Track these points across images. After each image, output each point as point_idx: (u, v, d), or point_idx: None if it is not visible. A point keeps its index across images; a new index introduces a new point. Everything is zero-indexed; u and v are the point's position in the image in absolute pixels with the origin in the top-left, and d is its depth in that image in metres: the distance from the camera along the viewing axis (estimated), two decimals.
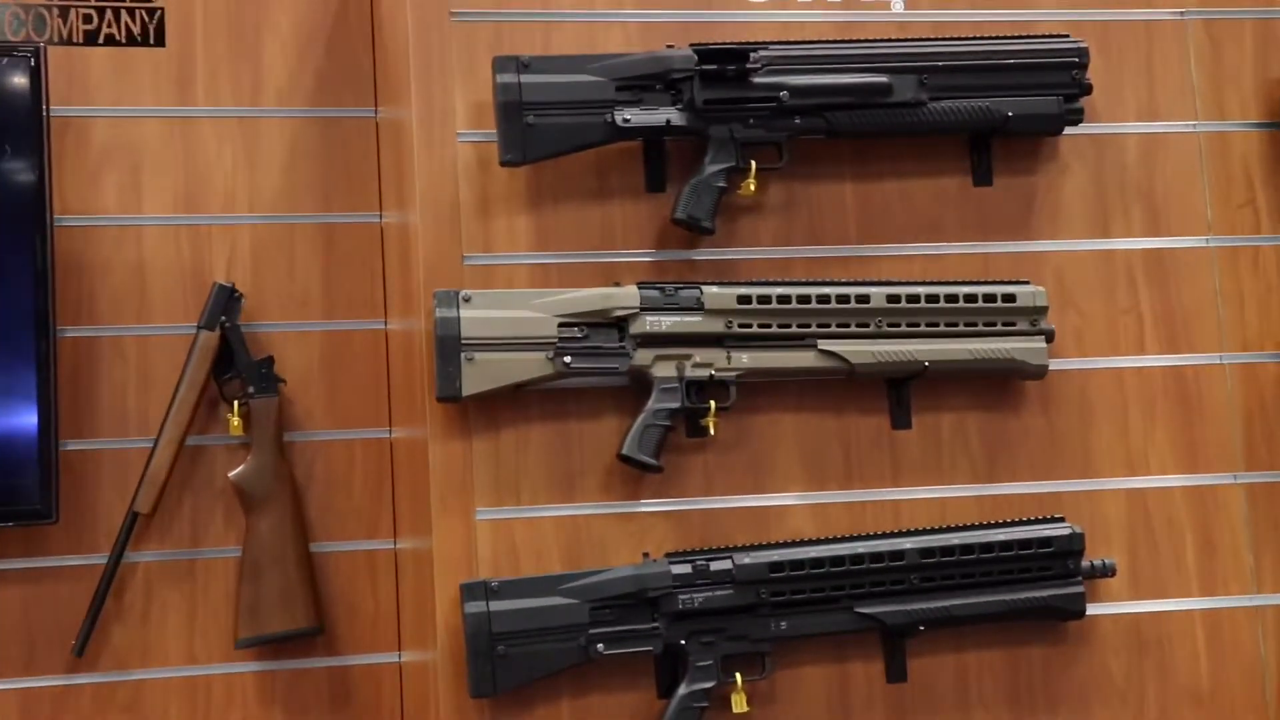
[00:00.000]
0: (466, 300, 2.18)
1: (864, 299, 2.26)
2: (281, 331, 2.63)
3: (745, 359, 2.23)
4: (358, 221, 2.70)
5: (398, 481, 2.62)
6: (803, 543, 2.22)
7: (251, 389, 2.56)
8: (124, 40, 2.66)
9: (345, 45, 2.73)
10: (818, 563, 2.20)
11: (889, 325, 2.27)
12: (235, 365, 2.56)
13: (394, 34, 2.51)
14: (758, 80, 2.27)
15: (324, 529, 2.60)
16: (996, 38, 2.36)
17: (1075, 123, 2.38)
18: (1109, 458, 2.37)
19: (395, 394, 2.64)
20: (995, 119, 2.33)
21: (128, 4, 2.67)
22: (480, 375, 2.16)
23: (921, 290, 2.28)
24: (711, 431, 2.23)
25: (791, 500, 2.29)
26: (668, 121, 2.25)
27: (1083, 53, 2.37)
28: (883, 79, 2.30)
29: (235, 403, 2.55)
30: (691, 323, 2.23)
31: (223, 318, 2.56)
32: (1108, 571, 2.29)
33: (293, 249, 2.67)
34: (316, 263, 2.67)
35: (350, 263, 2.68)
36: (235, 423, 2.55)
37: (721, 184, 2.26)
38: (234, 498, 2.55)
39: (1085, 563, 2.27)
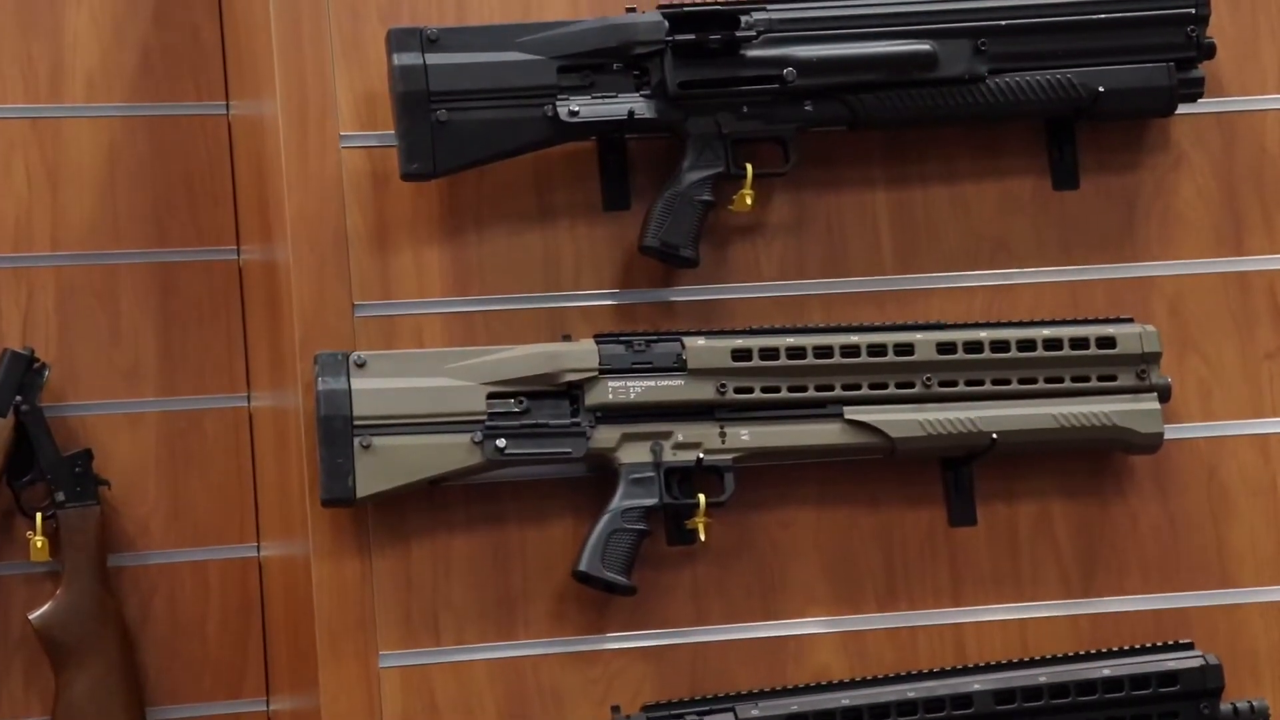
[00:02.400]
0: (360, 365, 2.30)
1: (906, 349, 2.39)
2: (102, 414, 2.76)
3: (745, 435, 2.36)
4: (206, 259, 2.83)
5: (270, 618, 2.74)
6: (832, 687, 2.33)
7: (61, 496, 2.67)
8: None
9: (182, 13, 2.86)
10: (854, 714, 2.32)
11: (941, 384, 2.39)
12: (37, 463, 2.68)
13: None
14: (753, 54, 2.40)
15: (168, 688, 2.72)
16: None
17: (1193, 98, 2.51)
18: (1252, 559, 2.51)
19: (264, 496, 2.76)
20: (1081, 97, 2.47)
21: None
22: (381, 468, 2.27)
23: (985, 335, 2.41)
24: (702, 537, 2.33)
25: (814, 628, 2.41)
26: (630, 113, 2.38)
27: (1201, 0, 2.51)
28: (925, 46, 2.44)
29: (38, 515, 2.67)
30: (670, 388, 2.35)
31: (18, 398, 2.67)
32: (1257, 717, 2.39)
33: (116, 299, 2.79)
34: (150, 318, 2.79)
35: (197, 316, 2.80)
36: (38, 543, 2.66)
37: (706, 197, 2.40)
38: (38, 648, 2.66)
39: (1226, 705, 2.37)
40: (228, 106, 2.89)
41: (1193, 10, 2.50)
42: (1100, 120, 2.52)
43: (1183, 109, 2.53)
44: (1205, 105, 2.56)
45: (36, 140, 2.81)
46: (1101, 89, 2.47)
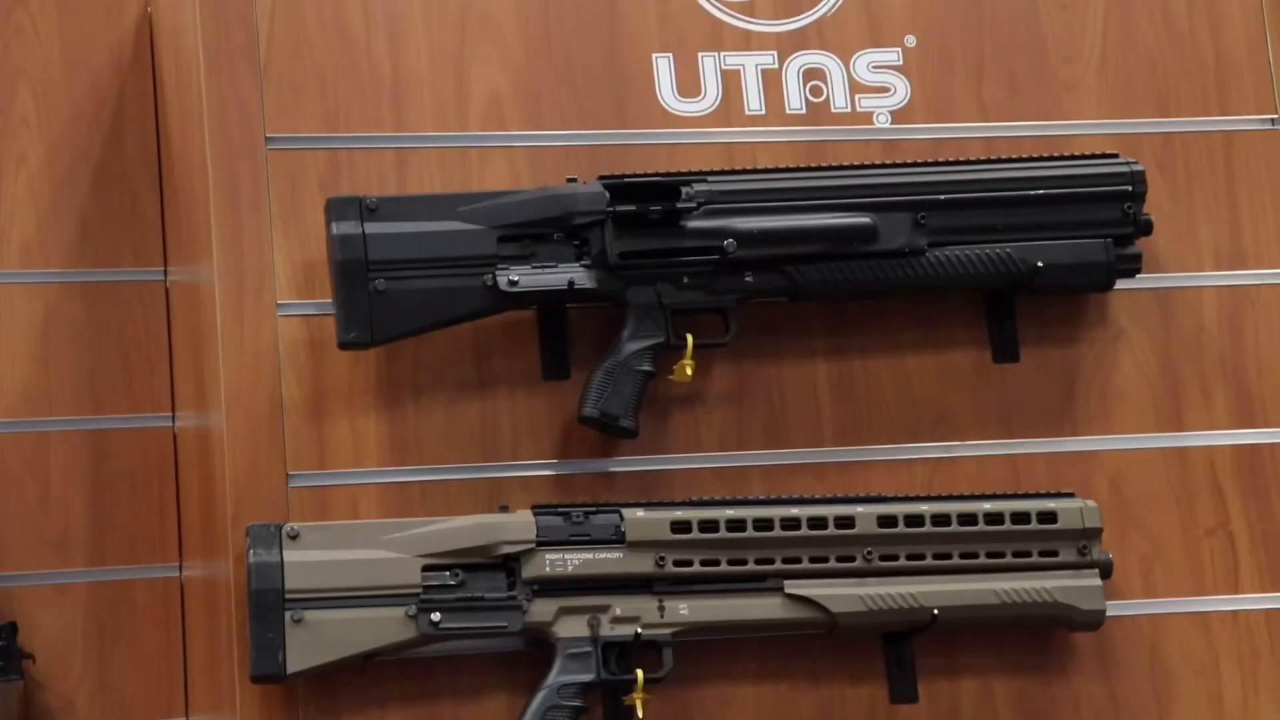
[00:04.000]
0: (293, 537, 2.27)
1: (847, 522, 2.38)
2: (28, 586, 2.73)
3: (684, 610, 2.33)
4: (140, 426, 2.81)
5: None
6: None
7: None
8: None
9: (121, 182, 2.87)
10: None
11: (882, 558, 2.38)
12: None
13: (188, 166, 2.64)
14: (693, 224, 2.41)
15: None
16: (1019, 160, 2.52)
17: (1130, 273, 2.52)
18: None
19: (194, 671, 2.72)
20: (1020, 271, 2.48)
21: None
22: (313, 643, 2.24)
23: (926, 509, 2.40)
24: (639, 713, 2.30)
25: None
26: (570, 283, 2.38)
27: (1138, 178, 2.52)
28: (865, 219, 2.45)
29: None
30: (609, 561, 2.33)
31: None
32: None
33: (46, 468, 2.77)
34: (80, 486, 2.77)
35: (129, 485, 2.78)
36: None
37: (646, 367, 2.39)
38: None
39: None
40: (166, 273, 2.89)
41: (1129, 188, 2.52)
42: (1040, 294, 2.53)
43: (1121, 284, 2.54)
44: (1143, 281, 2.57)
45: None
46: (1040, 264, 2.48)
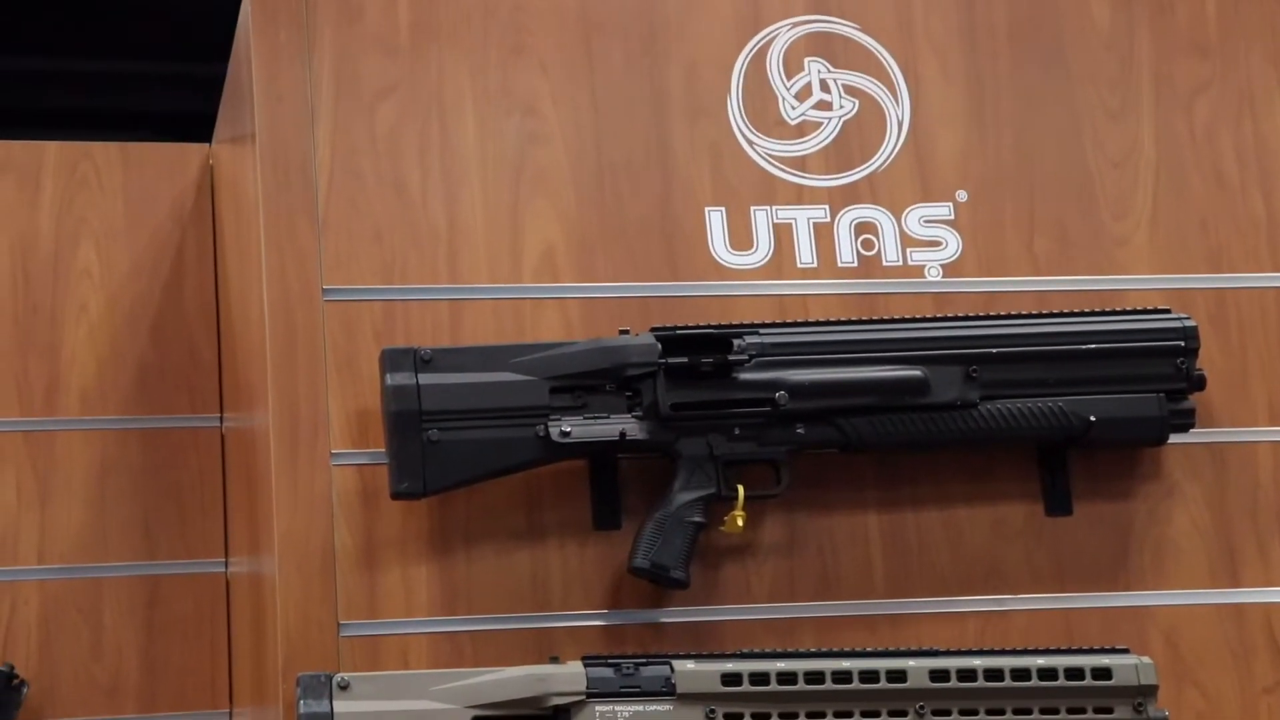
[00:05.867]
0: (343, 687, 2.26)
1: (899, 676, 2.35)
2: None
3: None
4: (193, 573, 2.83)
5: None
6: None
7: None
8: None
9: (179, 331, 2.91)
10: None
11: (935, 713, 2.35)
12: None
13: (245, 317, 2.68)
14: (745, 377, 2.43)
15: None
16: (1071, 315, 2.54)
17: (1184, 428, 2.53)
18: None
19: None
20: (1073, 425, 2.48)
21: None
22: None
23: (979, 664, 2.37)
24: None
25: None
26: (622, 434, 2.40)
27: (1190, 333, 2.53)
28: (917, 372, 2.46)
29: None
30: (659, 713, 2.31)
31: None
32: None
33: (100, 614, 2.79)
34: (134, 633, 2.79)
35: (181, 631, 2.80)
36: None
37: (698, 518, 2.40)
38: None
39: None
40: (221, 419, 2.91)
41: (1182, 343, 2.53)
42: (1093, 448, 2.53)
43: (1175, 439, 2.54)
44: (1197, 435, 2.57)
45: (29, 453, 2.85)
46: (1093, 418, 2.49)
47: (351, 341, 2.46)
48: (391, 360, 2.38)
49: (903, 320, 2.50)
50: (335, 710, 2.25)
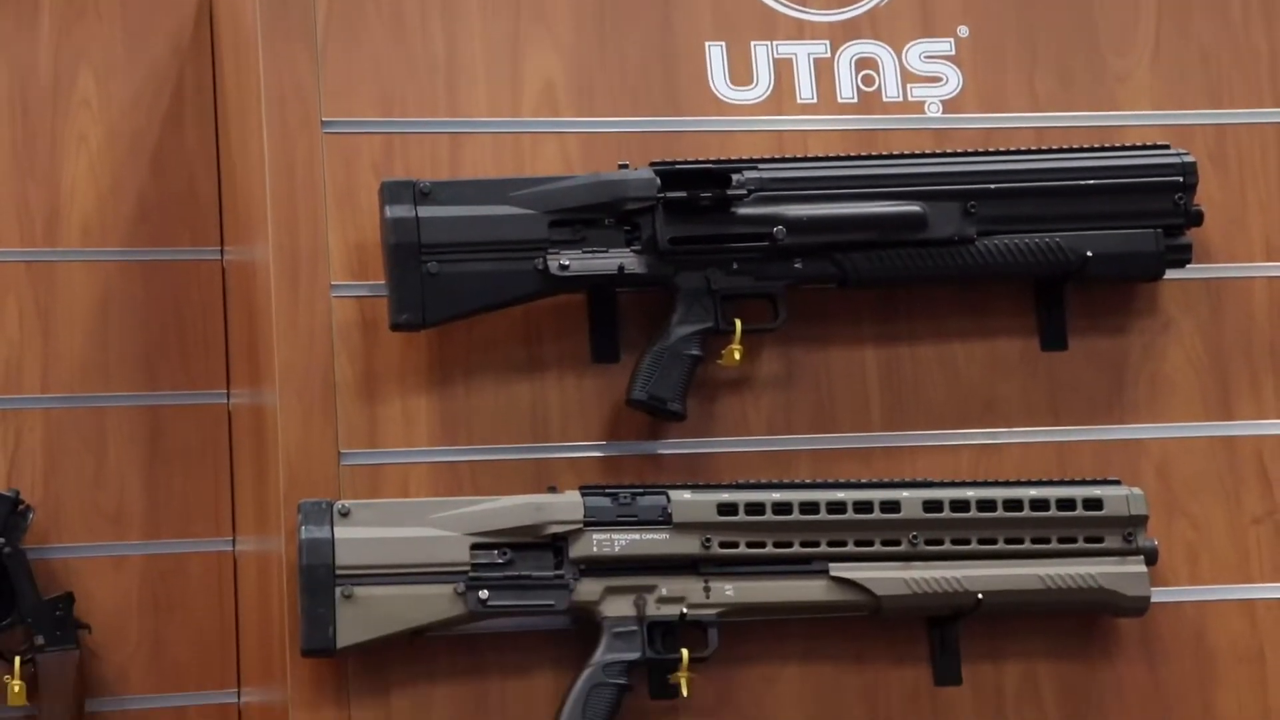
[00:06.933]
0: (344, 514, 2.32)
1: (893, 507, 2.41)
2: (86, 557, 2.79)
3: (729, 591, 2.37)
4: (195, 403, 2.86)
5: None
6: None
7: (40, 639, 2.69)
8: None
9: (179, 164, 2.93)
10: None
11: (927, 543, 2.41)
12: (17, 606, 2.69)
13: (245, 148, 2.69)
14: (743, 211, 2.44)
15: None
16: (1070, 151, 2.55)
17: (1180, 264, 2.55)
18: None
19: (245, 644, 2.77)
20: (1070, 260, 2.50)
21: None
22: (362, 618, 2.28)
23: (972, 494, 2.43)
24: (684, 692, 2.34)
25: None
26: (620, 268, 2.42)
27: (1189, 169, 2.54)
28: (915, 207, 2.48)
29: (16, 659, 2.68)
30: (655, 542, 2.36)
31: (0, 540, 2.70)
32: None
33: (103, 443, 2.83)
34: (136, 461, 2.83)
35: (184, 461, 2.84)
36: (16, 687, 2.67)
37: (695, 351, 2.42)
38: None
39: None
40: (222, 252, 2.93)
41: (1180, 178, 2.54)
42: (1089, 283, 2.55)
43: (1171, 274, 2.57)
44: (1193, 271, 2.59)
45: (30, 283, 2.87)
46: (1090, 253, 2.50)
47: (350, 174, 2.47)
48: (390, 192, 2.40)
49: (901, 156, 2.51)
50: (336, 536, 2.30)
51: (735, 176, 2.44)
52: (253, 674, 2.73)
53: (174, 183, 2.93)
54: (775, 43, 2.60)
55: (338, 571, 2.28)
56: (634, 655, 2.33)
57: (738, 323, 2.43)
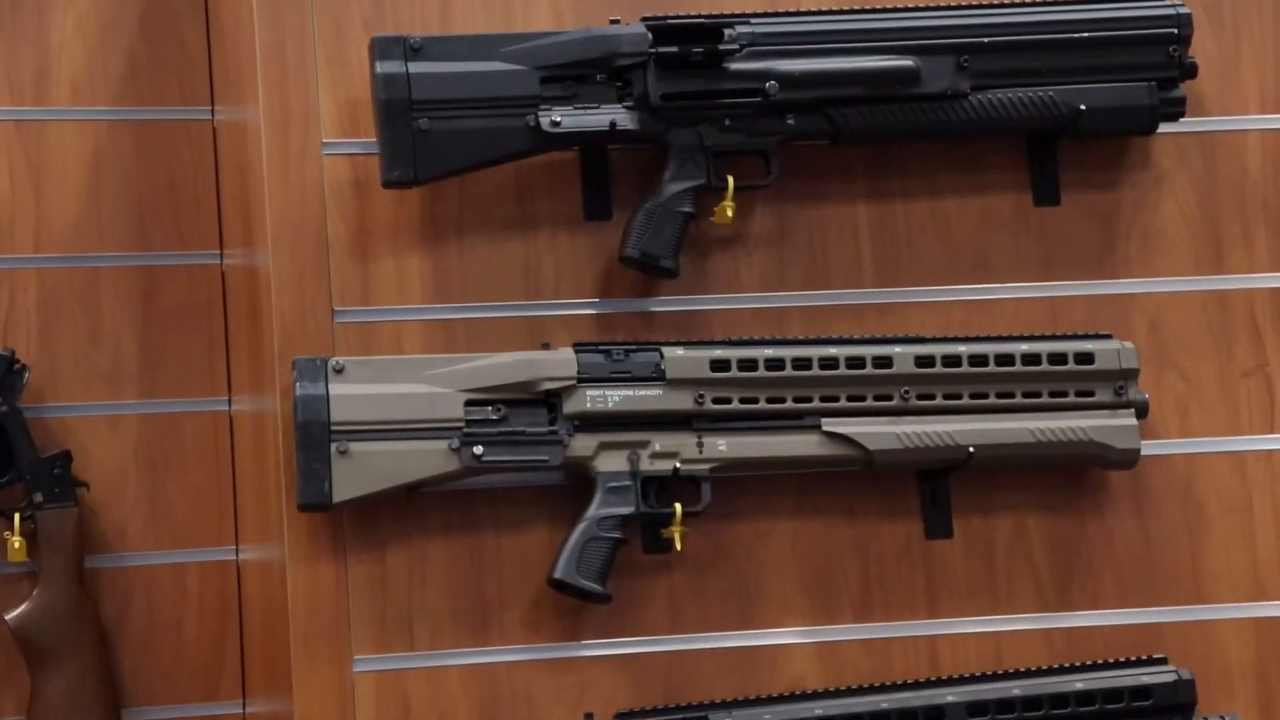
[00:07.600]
0: (338, 371, 2.34)
1: (885, 362, 2.43)
2: (82, 416, 2.81)
3: (722, 446, 2.39)
4: (189, 263, 2.88)
5: (247, 621, 2.78)
6: (807, 696, 2.37)
7: (39, 497, 2.72)
8: None
9: (168, 22, 2.91)
10: None
11: (919, 397, 2.43)
12: (15, 464, 2.72)
13: (234, 5, 2.67)
14: (735, 67, 2.44)
15: (143, 689, 2.77)
16: (1063, 3, 2.53)
17: (1174, 117, 2.55)
18: (1227, 576, 2.55)
19: (242, 500, 2.80)
20: (1063, 114, 2.50)
21: None
22: (357, 474, 2.31)
23: (964, 349, 2.45)
24: (678, 546, 2.37)
25: (790, 638, 2.45)
26: (612, 124, 2.42)
27: (1183, 20, 2.54)
28: (908, 62, 2.47)
29: (16, 516, 2.71)
30: (648, 398, 2.39)
31: None
32: None
33: (98, 302, 2.84)
34: (131, 320, 2.84)
35: (179, 320, 2.86)
36: (16, 544, 2.70)
37: (687, 208, 2.43)
38: (13, 648, 2.71)
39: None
40: (213, 111, 2.93)
41: (1175, 30, 2.53)
42: (1082, 138, 2.56)
43: (1164, 128, 2.57)
44: (1187, 125, 2.59)
45: (21, 142, 2.86)
46: (1083, 107, 2.51)
47: (340, 31, 2.47)
48: (381, 48, 2.39)
49: (894, 10, 2.51)
50: (330, 393, 2.32)
51: (727, 31, 2.43)
52: (250, 530, 2.76)
53: (163, 41, 2.92)
54: None
55: (333, 427, 2.30)
56: (628, 510, 2.36)
57: (730, 179, 2.44)
